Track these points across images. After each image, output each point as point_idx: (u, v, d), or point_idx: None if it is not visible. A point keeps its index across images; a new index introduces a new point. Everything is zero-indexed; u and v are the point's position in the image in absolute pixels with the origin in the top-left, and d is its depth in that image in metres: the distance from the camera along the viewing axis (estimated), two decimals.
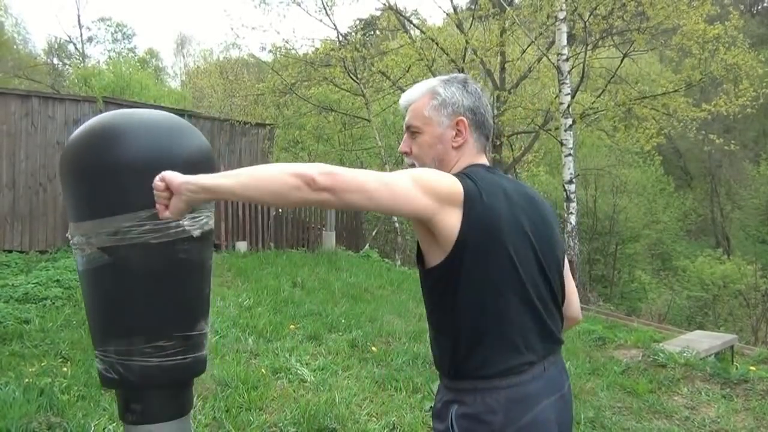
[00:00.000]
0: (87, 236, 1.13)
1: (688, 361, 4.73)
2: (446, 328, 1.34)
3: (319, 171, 1.16)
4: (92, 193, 1.13)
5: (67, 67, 26.83)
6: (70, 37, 29.64)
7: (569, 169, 10.10)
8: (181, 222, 1.15)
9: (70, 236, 1.18)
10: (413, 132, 1.47)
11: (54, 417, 3.09)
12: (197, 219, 1.19)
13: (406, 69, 12.12)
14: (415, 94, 1.49)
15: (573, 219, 10.06)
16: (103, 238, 1.11)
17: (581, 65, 10.44)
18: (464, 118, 1.44)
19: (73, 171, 1.16)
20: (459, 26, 12.37)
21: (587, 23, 10.01)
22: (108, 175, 1.10)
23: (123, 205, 1.10)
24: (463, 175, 1.34)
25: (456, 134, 1.44)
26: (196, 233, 1.18)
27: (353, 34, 15.65)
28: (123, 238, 1.11)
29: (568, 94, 9.99)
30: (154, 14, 52.66)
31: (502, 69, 12.88)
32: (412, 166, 1.45)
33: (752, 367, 4.67)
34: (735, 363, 5.18)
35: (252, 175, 1.17)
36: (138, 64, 22.73)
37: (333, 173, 1.17)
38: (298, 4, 12.59)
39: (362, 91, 12.08)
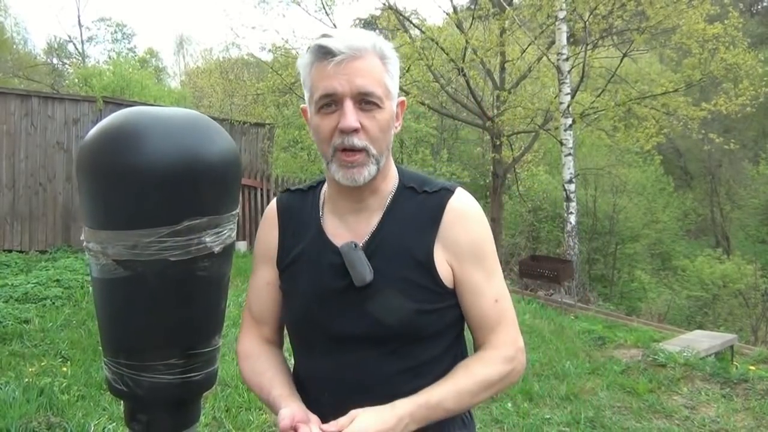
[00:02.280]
0: (103, 245, 1.08)
1: (688, 361, 4.73)
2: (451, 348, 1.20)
3: (515, 371, 1.16)
4: (110, 201, 1.05)
5: (66, 67, 26.83)
6: (70, 37, 29.63)
7: (569, 168, 10.11)
8: (203, 239, 1.10)
9: (84, 240, 1.13)
10: (370, 103, 1.07)
11: (54, 417, 3.09)
12: (220, 234, 1.12)
13: (406, 69, 12.11)
14: (362, 45, 1.07)
15: (573, 219, 10.07)
16: (120, 251, 1.05)
17: (581, 65, 10.43)
18: (404, 99, 1.18)
19: (89, 174, 1.08)
20: (459, 26, 12.36)
21: (587, 23, 10.00)
22: (127, 182, 1.03)
23: (143, 219, 1.04)
24: (469, 194, 1.19)
25: (396, 118, 1.16)
26: (218, 249, 1.13)
27: None
28: (141, 253, 1.04)
29: (568, 93, 9.99)
30: (154, 14, 52.67)
31: (502, 69, 12.88)
32: (363, 152, 1.07)
33: (752, 367, 4.68)
34: (735, 363, 5.19)
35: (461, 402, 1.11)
36: (138, 64, 22.71)
37: (520, 357, 1.17)
38: (298, 4, 12.60)
39: None
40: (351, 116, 1.05)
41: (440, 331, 1.15)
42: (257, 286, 1.27)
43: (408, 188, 1.16)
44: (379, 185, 1.15)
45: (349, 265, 1.10)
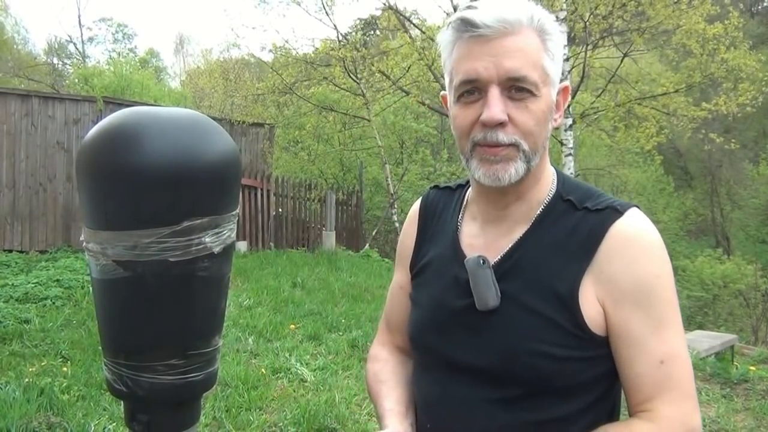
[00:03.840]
0: (102, 246, 1.08)
1: None
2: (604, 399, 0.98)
3: None
4: (110, 202, 1.05)
5: (67, 67, 26.84)
6: (70, 37, 29.64)
7: (569, 168, 10.10)
8: (203, 239, 1.10)
9: (84, 241, 1.14)
10: (522, 90, 0.87)
11: (54, 417, 3.09)
12: (220, 234, 1.12)
13: (406, 69, 12.13)
14: (516, 17, 0.87)
15: None
16: (120, 251, 1.04)
17: (581, 65, 10.43)
18: (569, 84, 0.97)
19: (89, 174, 1.08)
20: None
21: (587, 23, 10.00)
22: (127, 183, 1.02)
23: (143, 220, 1.03)
24: (638, 209, 0.94)
25: (556, 108, 0.94)
26: (218, 249, 1.12)
27: (353, 33, 15.64)
28: (141, 253, 1.04)
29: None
30: (154, 14, 52.71)
31: None
32: (512, 146, 0.88)
33: (752, 367, 4.68)
34: (735, 363, 5.19)
35: None
36: (138, 64, 22.72)
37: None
38: (298, 4, 12.58)
39: (362, 91, 12.08)
40: (496, 106, 0.86)
41: (580, 385, 0.91)
42: (391, 290, 1.16)
43: (565, 201, 0.95)
44: (528, 191, 0.95)
45: (473, 283, 0.93)
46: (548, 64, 0.89)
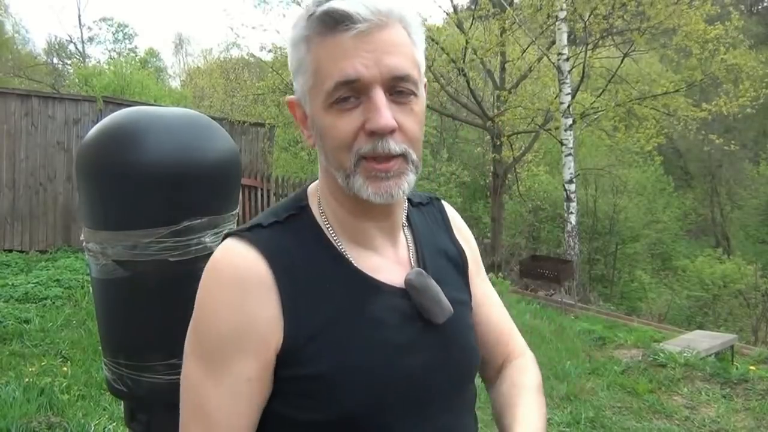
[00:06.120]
0: (102, 245, 1.08)
1: (688, 361, 4.73)
2: None
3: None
4: (109, 201, 1.06)
5: (67, 67, 26.84)
6: (70, 37, 29.67)
7: (569, 168, 10.11)
8: (202, 239, 1.09)
9: (83, 240, 1.14)
10: (403, 92, 0.75)
11: (54, 417, 3.09)
12: (220, 234, 1.12)
13: None
14: (387, 7, 0.74)
15: (573, 219, 10.08)
16: (120, 251, 1.06)
17: (581, 65, 10.43)
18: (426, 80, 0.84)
19: (89, 174, 1.08)
20: (459, 26, 12.35)
21: (587, 23, 10.00)
22: (127, 182, 1.03)
23: (143, 219, 1.04)
24: None
25: None
26: None
27: None
28: (141, 253, 1.05)
29: (569, 93, 9.99)
30: (154, 14, 52.72)
31: (503, 69, 12.88)
32: (401, 158, 0.75)
33: (752, 367, 4.68)
34: (735, 363, 5.19)
35: None
36: (138, 64, 22.71)
37: None
38: (298, 4, 12.58)
39: None
40: (387, 111, 0.72)
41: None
42: (231, 391, 0.77)
43: (407, 201, 0.92)
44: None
45: (426, 298, 0.81)
46: (420, 58, 0.78)
